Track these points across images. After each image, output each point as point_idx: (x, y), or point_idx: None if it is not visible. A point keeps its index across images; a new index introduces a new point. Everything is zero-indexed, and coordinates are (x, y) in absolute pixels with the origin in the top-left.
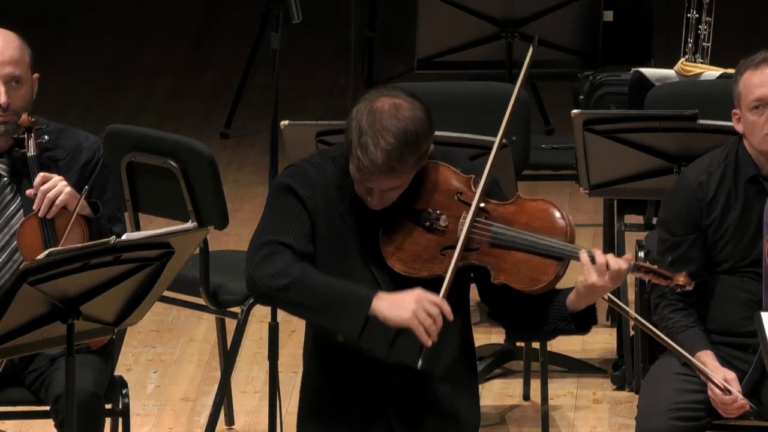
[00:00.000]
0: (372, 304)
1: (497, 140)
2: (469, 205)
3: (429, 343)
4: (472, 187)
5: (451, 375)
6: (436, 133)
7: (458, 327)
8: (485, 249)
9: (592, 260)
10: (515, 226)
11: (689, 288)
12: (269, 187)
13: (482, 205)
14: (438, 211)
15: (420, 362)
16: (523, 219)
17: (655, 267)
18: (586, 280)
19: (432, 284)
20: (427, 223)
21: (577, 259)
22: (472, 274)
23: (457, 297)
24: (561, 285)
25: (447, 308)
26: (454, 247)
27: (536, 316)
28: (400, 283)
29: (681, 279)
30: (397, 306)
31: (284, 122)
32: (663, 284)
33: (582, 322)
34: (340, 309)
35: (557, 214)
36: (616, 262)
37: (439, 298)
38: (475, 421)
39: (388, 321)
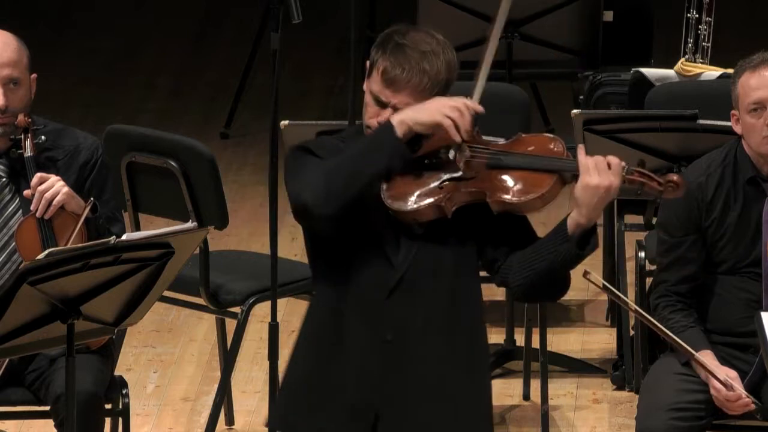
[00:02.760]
0: (396, 124)
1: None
2: (471, 145)
3: (458, 137)
4: (476, 135)
5: (453, 354)
6: None
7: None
8: (482, 174)
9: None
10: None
11: (681, 188)
12: (286, 156)
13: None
14: (441, 148)
15: (451, 153)
16: (520, 149)
17: (647, 171)
18: (585, 182)
19: (433, 228)
20: (427, 160)
21: (574, 170)
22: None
23: (469, 274)
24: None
25: (475, 104)
26: (453, 180)
27: (536, 253)
28: (396, 231)
29: (674, 177)
30: (421, 109)
31: (284, 122)
32: (657, 190)
33: (582, 241)
34: (374, 153)
35: (552, 139)
36: (610, 157)
37: (461, 99)
38: (475, 397)
39: (416, 123)
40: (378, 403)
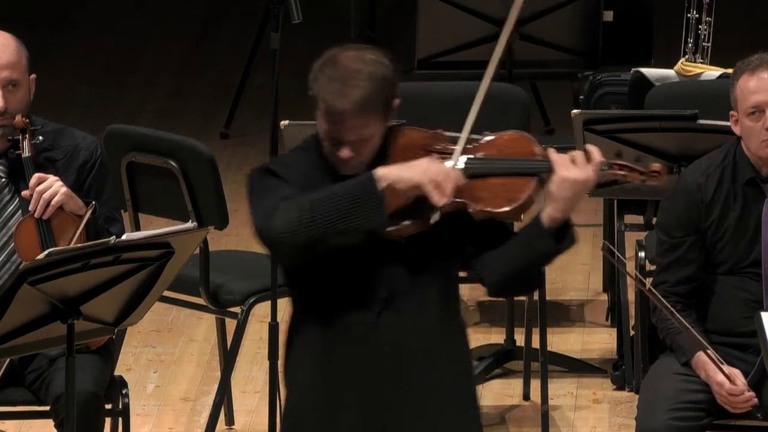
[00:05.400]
0: (379, 177)
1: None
2: (439, 152)
3: (442, 201)
4: (441, 137)
5: (438, 349)
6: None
7: (443, 302)
8: (461, 185)
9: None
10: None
11: (664, 178)
12: (248, 179)
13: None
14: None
15: (432, 218)
16: (494, 151)
17: (627, 162)
18: (562, 176)
19: (416, 239)
20: None
21: (549, 169)
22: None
23: (445, 282)
24: None
25: (456, 174)
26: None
27: (512, 250)
28: (379, 246)
29: (656, 165)
30: (406, 168)
31: (284, 122)
32: (639, 179)
33: (558, 235)
34: (357, 200)
35: (526, 138)
36: (591, 148)
37: (447, 167)
38: (467, 394)
39: (399, 182)
40: (383, 415)
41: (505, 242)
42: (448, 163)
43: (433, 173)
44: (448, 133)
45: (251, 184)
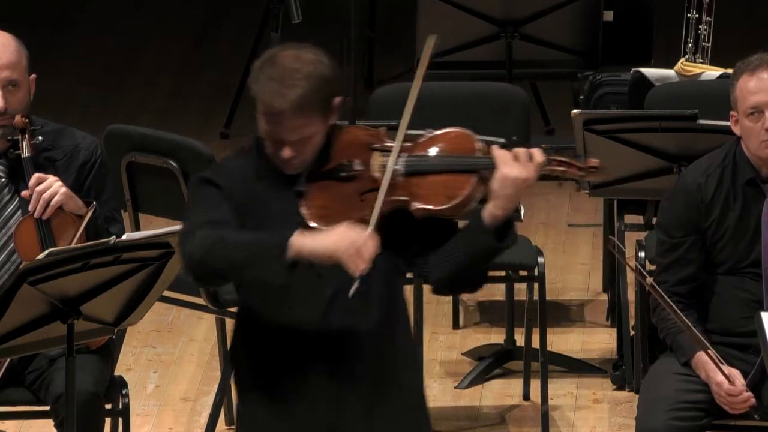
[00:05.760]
0: (292, 245)
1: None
2: (380, 150)
3: (357, 272)
4: (383, 135)
5: (390, 341)
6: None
7: (390, 293)
8: (401, 182)
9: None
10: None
11: (602, 170)
12: (189, 183)
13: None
14: (350, 160)
15: (352, 290)
16: (435, 149)
17: (566, 158)
18: (504, 174)
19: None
20: (342, 174)
21: (491, 166)
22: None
23: (390, 275)
24: None
25: (373, 241)
26: (372, 190)
27: (455, 246)
28: None
29: (594, 161)
30: (322, 238)
31: None
32: (578, 175)
33: (499, 233)
34: (261, 260)
35: (468, 135)
36: (534, 150)
37: (364, 232)
38: (418, 384)
39: (313, 253)
40: (330, 414)
41: (449, 240)
42: (389, 161)
43: (348, 241)
44: (391, 131)
45: (190, 191)
